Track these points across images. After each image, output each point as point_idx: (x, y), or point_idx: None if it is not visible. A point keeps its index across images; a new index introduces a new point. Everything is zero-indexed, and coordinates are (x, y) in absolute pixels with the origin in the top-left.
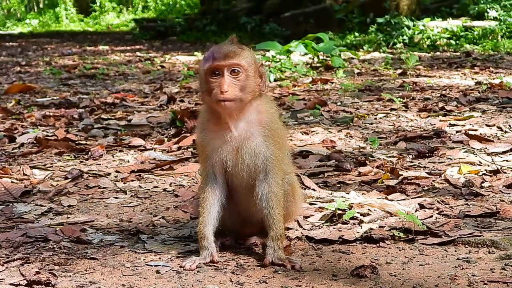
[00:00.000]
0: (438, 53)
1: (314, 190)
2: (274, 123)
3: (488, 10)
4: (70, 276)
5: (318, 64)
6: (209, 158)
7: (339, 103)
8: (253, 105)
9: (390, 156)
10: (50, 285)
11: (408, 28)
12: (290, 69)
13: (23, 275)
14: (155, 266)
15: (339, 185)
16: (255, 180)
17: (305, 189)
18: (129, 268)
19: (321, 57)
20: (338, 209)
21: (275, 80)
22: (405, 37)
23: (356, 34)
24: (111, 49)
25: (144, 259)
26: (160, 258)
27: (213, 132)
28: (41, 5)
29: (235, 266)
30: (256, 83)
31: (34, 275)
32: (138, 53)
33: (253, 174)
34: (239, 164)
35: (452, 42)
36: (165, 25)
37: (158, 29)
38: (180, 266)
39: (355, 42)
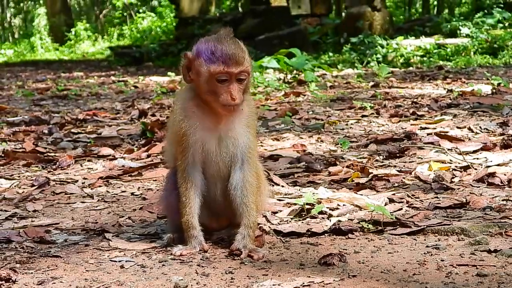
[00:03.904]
0: (411, 68)
1: (282, 186)
2: (253, 115)
3: (460, 27)
4: (31, 273)
5: (291, 80)
6: (191, 147)
7: (310, 112)
8: None
9: (360, 158)
10: (10, 280)
11: (382, 46)
12: (263, 83)
13: None
14: (119, 261)
15: (308, 185)
16: (231, 169)
17: (273, 185)
18: (92, 264)
19: (294, 72)
20: (307, 203)
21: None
22: (378, 55)
23: (330, 54)
24: (85, 75)
25: (108, 256)
26: (125, 254)
27: (199, 121)
28: (16, 35)
29: (200, 259)
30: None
31: None
32: (112, 78)
33: (231, 163)
34: (220, 154)
35: (425, 59)
36: (141, 51)
37: (133, 55)
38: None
39: (329, 62)
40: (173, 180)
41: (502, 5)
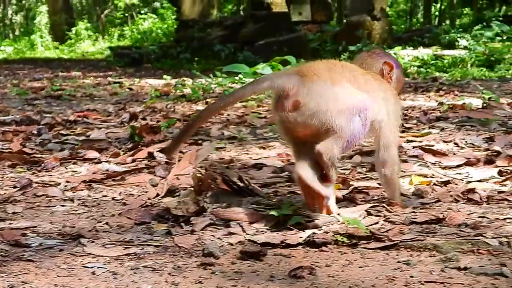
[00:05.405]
0: (407, 79)
1: (262, 197)
2: None
3: (458, 39)
4: (2, 276)
5: None
6: None
7: None
8: None
9: (344, 169)
10: None
11: None
12: None
13: None
14: (91, 267)
15: (289, 195)
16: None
17: (254, 196)
18: (64, 269)
19: None
20: (284, 214)
21: (240, 101)
22: None
23: None
24: (83, 75)
25: (81, 261)
26: (98, 260)
27: None
28: (16, 33)
29: (172, 267)
30: None
31: None
32: (109, 78)
33: None
34: None
35: (423, 70)
36: (140, 52)
37: (133, 56)
38: None
39: None
40: None
41: (501, 19)
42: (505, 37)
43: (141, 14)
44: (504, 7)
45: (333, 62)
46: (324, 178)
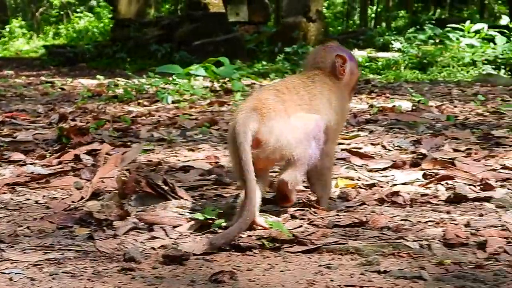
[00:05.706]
0: None
1: (186, 200)
2: None
3: (392, 42)
4: None
5: (218, 88)
6: None
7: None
8: None
9: (271, 172)
10: None
11: None
12: (189, 91)
13: None
14: (8, 273)
15: (215, 198)
16: None
17: (179, 200)
18: None
19: (222, 81)
20: (208, 218)
21: (173, 102)
22: None
23: (264, 63)
24: (16, 74)
25: None
26: (16, 266)
27: None
28: None
29: (92, 273)
30: None
31: None
32: (42, 78)
33: None
34: None
35: None
36: (75, 51)
37: (67, 55)
38: None
39: (262, 71)
40: None
41: (434, 22)
42: (437, 40)
43: (77, 12)
44: (438, 10)
45: (279, 87)
46: (285, 199)
